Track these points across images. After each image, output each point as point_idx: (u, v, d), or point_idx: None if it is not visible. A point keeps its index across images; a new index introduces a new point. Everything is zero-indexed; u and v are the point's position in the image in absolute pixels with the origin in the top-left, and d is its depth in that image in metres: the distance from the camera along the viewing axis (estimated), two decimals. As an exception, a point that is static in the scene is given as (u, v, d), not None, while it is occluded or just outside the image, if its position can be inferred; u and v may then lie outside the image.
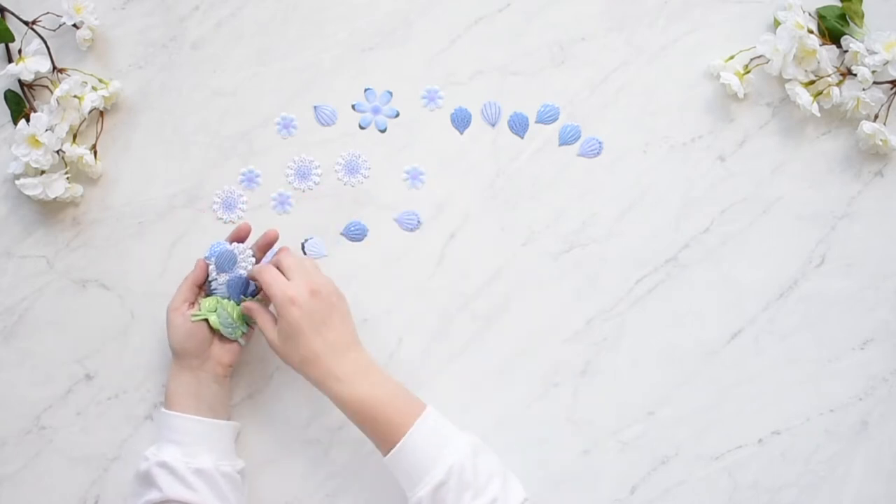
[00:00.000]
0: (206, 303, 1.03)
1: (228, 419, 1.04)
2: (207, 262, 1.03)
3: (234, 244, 1.03)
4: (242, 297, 1.04)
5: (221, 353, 1.03)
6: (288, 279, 0.98)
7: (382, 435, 0.96)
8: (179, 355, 1.01)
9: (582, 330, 1.09)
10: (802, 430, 1.08)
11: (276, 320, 0.98)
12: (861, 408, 1.08)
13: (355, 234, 1.10)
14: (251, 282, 1.04)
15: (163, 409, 1.01)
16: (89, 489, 1.07)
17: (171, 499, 0.96)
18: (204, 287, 1.04)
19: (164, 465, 0.97)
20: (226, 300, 1.03)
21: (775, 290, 1.09)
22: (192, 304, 1.03)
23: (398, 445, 0.94)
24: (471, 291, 1.09)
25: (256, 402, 1.08)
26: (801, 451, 1.08)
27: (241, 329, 1.03)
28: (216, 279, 1.03)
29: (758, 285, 1.09)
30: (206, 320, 1.02)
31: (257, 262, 1.05)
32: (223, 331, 1.02)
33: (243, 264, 1.03)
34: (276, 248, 1.05)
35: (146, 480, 0.98)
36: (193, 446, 0.99)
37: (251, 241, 1.05)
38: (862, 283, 1.09)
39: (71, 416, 1.08)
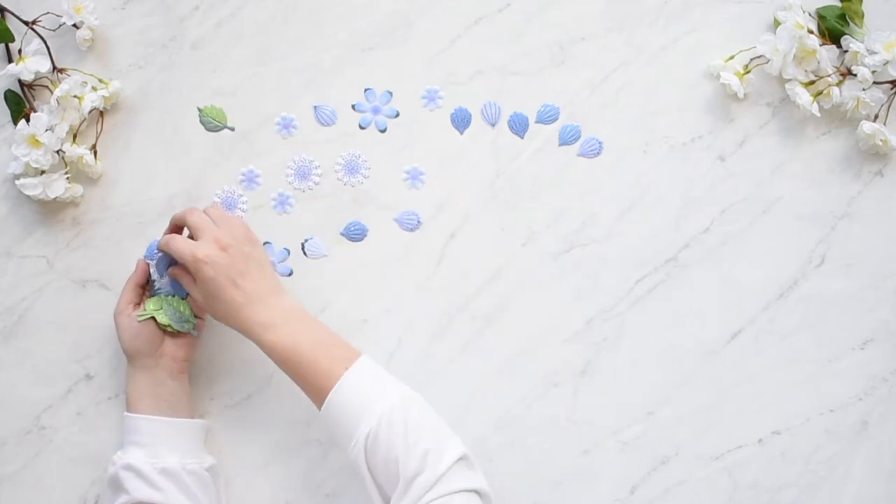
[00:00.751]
0: (151, 303, 1.03)
1: (191, 416, 1.04)
2: (147, 262, 1.03)
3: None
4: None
5: (174, 348, 1.03)
6: (196, 239, 0.98)
7: (313, 384, 0.94)
8: (132, 356, 1.02)
9: (582, 330, 1.09)
10: (802, 430, 1.08)
11: (192, 278, 0.99)
12: (861, 408, 1.08)
13: (355, 234, 1.10)
14: None
15: (125, 413, 1.01)
16: (89, 489, 1.07)
17: (139, 501, 0.96)
18: (147, 287, 1.04)
19: (129, 468, 0.97)
20: (171, 297, 1.04)
21: (775, 290, 1.09)
22: (137, 304, 1.03)
23: (329, 396, 0.93)
24: (471, 291, 1.09)
25: (256, 402, 1.08)
26: (801, 451, 1.08)
27: (191, 322, 1.04)
28: (157, 279, 1.03)
29: (758, 285, 1.09)
30: (154, 318, 1.02)
31: None
32: (174, 326, 1.03)
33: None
34: None
35: (114, 485, 0.98)
36: (157, 447, 0.99)
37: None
38: (862, 283, 1.09)
39: (71, 416, 1.08)
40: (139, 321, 1.02)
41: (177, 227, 1.03)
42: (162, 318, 1.02)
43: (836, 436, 1.08)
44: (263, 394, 1.08)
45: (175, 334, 1.04)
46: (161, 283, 1.04)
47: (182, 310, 1.03)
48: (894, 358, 1.09)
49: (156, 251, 1.04)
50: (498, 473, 1.06)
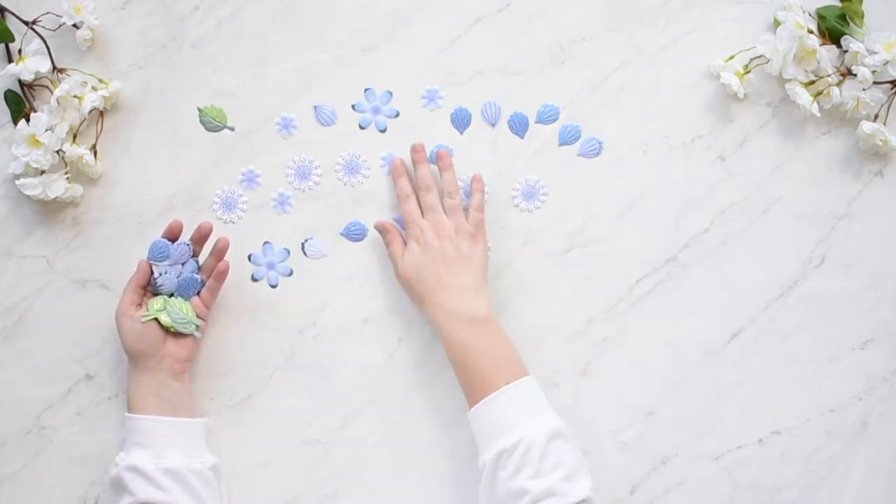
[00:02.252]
0: (154, 303, 1.03)
1: (193, 416, 1.04)
2: (149, 262, 1.03)
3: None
4: (194, 294, 1.05)
5: (177, 349, 1.03)
6: (423, 216, 1.04)
7: (473, 386, 0.97)
8: (135, 357, 1.02)
9: (582, 330, 1.09)
10: (802, 430, 1.08)
11: (404, 246, 1.05)
12: (861, 408, 1.08)
13: (355, 233, 1.10)
14: (199, 279, 1.05)
15: (126, 414, 1.01)
16: (89, 489, 1.07)
17: (143, 501, 0.96)
18: (149, 288, 1.04)
19: (133, 469, 0.97)
20: (174, 298, 1.03)
21: (775, 290, 1.09)
22: (139, 305, 1.03)
23: (483, 401, 0.95)
24: (471, 291, 1.09)
25: (256, 402, 1.08)
26: (801, 451, 1.08)
27: (193, 323, 1.03)
28: (159, 279, 1.03)
29: (758, 285, 1.09)
30: (157, 319, 1.02)
31: (195, 254, 1.05)
32: (177, 327, 1.03)
33: (183, 259, 1.04)
34: (212, 239, 1.06)
35: (117, 486, 0.98)
36: (161, 447, 0.99)
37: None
38: (862, 283, 1.09)
39: (71, 416, 1.08)
40: (142, 322, 1.02)
41: (168, 235, 1.03)
42: (165, 319, 1.02)
43: (836, 436, 1.08)
44: (263, 394, 1.08)
45: (177, 335, 1.03)
46: (161, 279, 1.03)
47: (185, 311, 1.03)
48: (894, 358, 1.09)
49: (170, 245, 1.04)
50: (498, 473, 1.06)
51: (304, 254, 1.10)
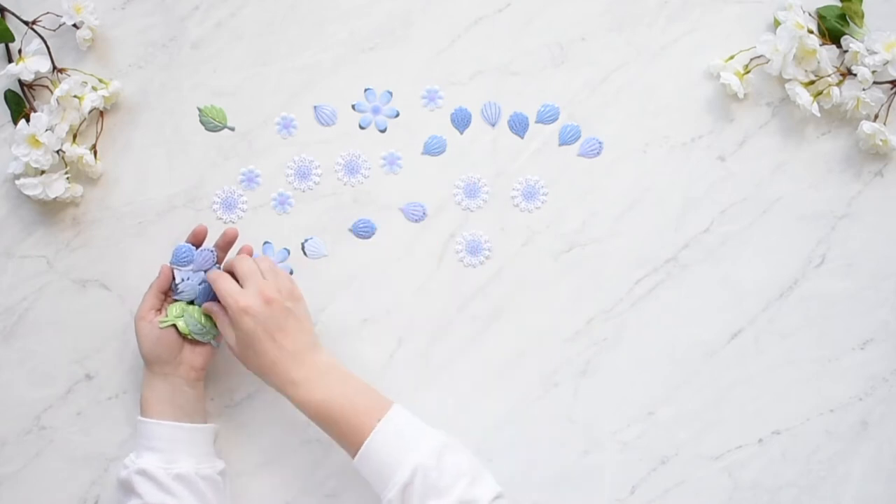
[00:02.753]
0: (173, 309, 1.03)
1: (204, 421, 1.04)
2: (172, 267, 1.03)
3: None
4: (213, 300, 1.04)
5: (193, 356, 1.03)
6: (242, 286, 0.98)
7: (347, 437, 0.95)
8: (151, 362, 1.02)
9: (582, 330, 1.09)
10: (802, 430, 1.08)
11: (231, 328, 0.99)
12: (861, 408, 1.08)
13: (364, 230, 1.10)
14: None
15: (139, 417, 1.01)
16: (89, 489, 1.07)
17: None
18: (170, 293, 1.04)
19: (143, 473, 0.97)
20: (192, 305, 1.03)
21: (775, 290, 1.09)
22: (159, 310, 1.03)
23: (362, 448, 0.93)
24: (471, 291, 1.09)
25: (256, 402, 1.08)
26: (801, 451, 1.08)
27: (211, 332, 1.03)
28: (180, 284, 1.03)
29: (758, 285, 1.09)
30: (175, 325, 1.02)
31: (219, 260, 1.05)
32: (194, 335, 1.02)
33: (206, 266, 1.03)
34: (237, 245, 1.05)
35: (126, 488, 0.98)
36: (172, 452, 0.99)
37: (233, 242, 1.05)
38: (862, 283, 1.09)
39: (71, 416, 1.08)
40: (160, 328, 1.01)
41: (193, 240, 1.03)
42: (183, 326, 1.02)
43: (836, 436, 1.08)
44: (263, 394, 1.08)
45: (194, 342, 1.03)
46: (181, 285, 1.03)
47: (203, 320, 1.03)
48: (894, 358, 1.09)
49: (181, 254, 1.03)
50: (498, 473, 1.06)
51: (304, 254, 1.10)
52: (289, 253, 1.09)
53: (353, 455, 0.95)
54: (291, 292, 1.00)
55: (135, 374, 1.08)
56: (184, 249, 1.03)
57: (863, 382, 1.09)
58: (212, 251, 1.04)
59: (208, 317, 1.03)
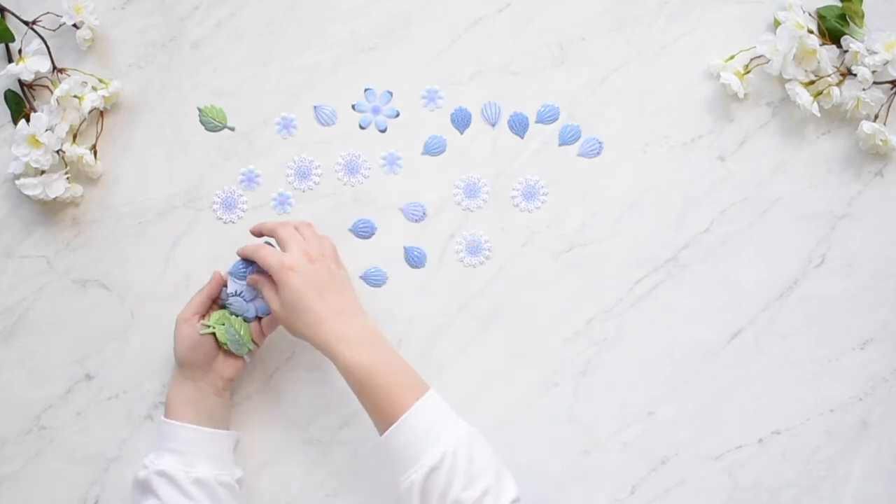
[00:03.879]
0: (216, 315, 1.02)
1: (227, 429, 1.04)
2: (224, 274, 1.03)
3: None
4: (257, 317, 1.04)
5: (224, 367, 1.03)
6: (285, 250, 0.98)
7: (382, 408, 0.94)
8: (183, 365, 1.01)
9: (582, 330, 1.09)
10: (802, 430, 1.08)
11: (276, 291, 0.98)
12: (861, 408, 1.08)
13: (363, 230, 1.10)
14: (267, 307, 1.03)
15: (163, 418, 1.01)
16: (89, 489, 1.07)
17: None
18: (218, 300, 1.04)
19: (163, 474, 0.97)
20: (234, 316, 1.03)
21: (775, 290, 1.09)
22: (203, 316, 1.03)
23: (397, 422, 0.92)
24: (471, 291, 1.09)
25: (256, 402, 1.08)
26: (801, 451, 1.08)
27: (247, 346, 1.03)
28: (232, 296, 1.03)
29: (758, 285, 1.09)
30: (214, 334, 1.02)
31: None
32: (230, 346, 1.02)
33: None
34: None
35: (144, 488, 0.98)
36: (193, 456, 0.99)
37: None
38: (862, 283, 1.09)
39: (71, 416, 1.08)
40: (201, 334, 1.01)
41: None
42: (222, 335, 1.02)
43: (836, 436, 1.08)
44: (263, 394, 1.08)
45: (228, 353, 1.03)
46: (231, 299, 1.03)
47: (242, 333, 1.03)
48: (894, 358, 1.09)
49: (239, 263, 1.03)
50: (498, 473, 1.06)
51: (304, 254, 1.10)
52: None
53: (383, 427, 0.93)
54: (335, 256, 1.01)
55: (134, 374, 1.08)
56: (243, 264, 1.02)
57: (863, 382, 1.09)
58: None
59: (247, 330, 1.03)
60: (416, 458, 0.91)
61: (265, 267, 0.98)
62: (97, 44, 1.11)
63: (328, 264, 0.98)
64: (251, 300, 1.03)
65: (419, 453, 0.91)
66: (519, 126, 1.11)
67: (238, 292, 1.02)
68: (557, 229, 1.10)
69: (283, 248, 0.99)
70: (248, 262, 1.03)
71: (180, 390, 1.01)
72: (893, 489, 1.08)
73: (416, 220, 1.10)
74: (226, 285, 1.03)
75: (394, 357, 0.96)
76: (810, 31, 1.07)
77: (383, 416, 0.94)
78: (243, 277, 1.02)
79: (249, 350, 1.03)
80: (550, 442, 1.08)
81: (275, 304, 0.98)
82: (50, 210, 1.09)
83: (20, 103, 1.09)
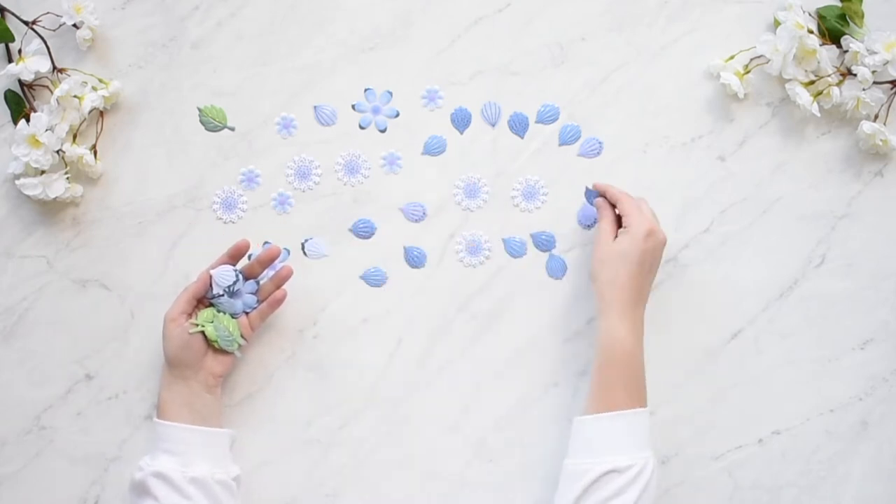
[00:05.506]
0: (204, 314, 1.03)
1: (220, 427, 1.04)
2: (210, 273, 1.02)
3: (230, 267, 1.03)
4: (244, 312, 1.04)
5: (214, 364, 1.03)
6: (630, 217, 1.01)
7: (610, 390, 0.97)
8: (173, 365, 1.01)
9: (582, 330, 1.09)
10: (802, 430, 1.08)
11: (614, 232, 1.01)
12: (861, 408, 1.08)
13: (363, 230, 1.10)
14: (255, 300, 1.04)
15: (156, 419, 1.01)
16: (89, 489, 1.07)
17: None
18: (204, 300, 1.04)
19: (159, 475, 0.97)
20: (222, 313, 1.03)
21: (775, 290, 1.09)
22: (190, 315, 1.03)
23: (618, 412, 0.95)
24: (471, 291, 1.09)
25: (256, 402, 1.08)
26: (801, 451, 1.08)
27: (237, 342, 1.03)
28: (218, 293, 1.03)
29: (758, 285, 1.09)
30: (203, 332, 1.02)
31: (255, 276, 1.04)
32: (220, 343, 1.02)
33: (247, 290, 1.04)
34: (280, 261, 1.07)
35: (141, 490, 0.98)
36: (189, 455, 0.99)
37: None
38: (862, 283, 1.09)
39: (71, 416, 1.08)
40: (190, 333, 1.01)
41: (235, 253, 1.03)
42: (211, 333, 1.02)
43: (836, 436, 1.08)
44: (263, 394, 1.08)
45: (218, 350, 1.03)
46: (223, 301, 1.03)
47: (231, 329, 1.03)
48: (894, 358, 1.09)
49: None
50: (498, 473, 1.06)
51: (304, 254, 1.10)
52: (289, 253, 1.09)
53: (600, 406, 0.96)
54: (660, 256, 1.03)
55: (134, 374, 1.08)
56: (228, 274, 1.02)
57: (863, 382, 1.09)
58: (256, 282, 1.04)
59: (236, 326, 1.03)
60: (611, 452, 0.94)
61: (628, 215, 1.00)
62: (97, 44, 1.11)
63: (660, 254, 1.02)
64: (238, 296, 1.03)
65: (615, 450, 0.94)
66: (519, 126, 1.11)
67: (225, 290, 1.02)
68: (558, 229, 1.10)
69: (632, 217, 1.00)
70: (233, 261, 1.03)
71: (172, 390, 1.01)
72: (893, 489, 1.08)
73: (416, 220, 1.10)
74: (211, 284, 1.03)
75: (643, 359, 1.00)
76: (810, 31, 1.07)
77: (607, 398, 0.97)
78: (229, 276, 1.02)
79: (239, 346, 1.03)
80: (550, 442, 1.08)
81: (605, 242, 1.00)
82: (50, 210, 1.09)
83: (20, 103, 1.09)
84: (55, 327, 1.09)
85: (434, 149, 1.11)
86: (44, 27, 1.09)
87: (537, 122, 1.11)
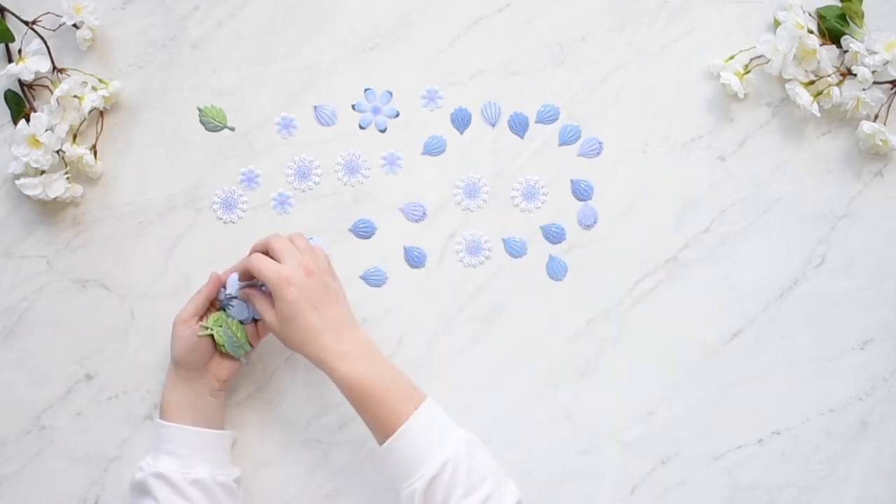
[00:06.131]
0: (213, 317, 1.02)
1: (223, 429, 1.04)
2: (220, 275, 1.02)
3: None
4: (253, 319, 1.04)
5: (219, 368, 1.03)
6: (280, 262, 0.97)
7: (381, 420, 0.94)
8: (180, 366, 1.01)
9: (582, 330, 1.09)
10: (802, 430, 1.08)
11: (270, 304, 0.97)
12: (861, 408, 1.08)
13: (363, 230, 1.10)
14: None
15: (158, 420, 1.01)
16: (89, 489, 1.07)
17: None
18: (216, 303, 1.04)
19: (160, 476, 0.97)
20: (231, 318, 1.03)
21: (775, 290, 1.09)
22: (201, 317, 1.03)
23: (397, 433, 0.93)
24: (471, 291, 1.09)
25: (256, 402, 1.08)
26: (801, 451, 1.08)
27: (244, 348, 1.03)
28: (229, 296, 1.03)
29: (758, 285, 1.09)
30: (212, 335, 1.02)
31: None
32: (227, 348, 1.02)
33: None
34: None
35: (142, 491, 0.98)
36: (190, 457, 0.99)
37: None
38: (862, 283, 1.09)
39: (71, 416, 1.08)
40: (199, 335, 1.01)
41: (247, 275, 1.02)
42: (219, 337, 1.02)
43: (836, 436, 1.08)
44: (263, 394, 1.08)
45: (224, 354, 1.03)
46: (229, 301, 1.03)
47: (239, 335, 1.03)
48: (894, 358, 1.09)
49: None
50: (498, 473, 1.06)
51: (304, 254, 1.10)
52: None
53: (382, 438, 0.94)
54: (329, 268, 1.00)
55: (134, 374, 1.08)
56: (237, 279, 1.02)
57: (863, 382, 1.09)
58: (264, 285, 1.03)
59: (244, 332, 1.03)
60: (418, 467, 0.91)
61: (262, 279, 0.97)
62: (97, 44, 1.11)
63: (324, 277, 0.98)
64: (248, 303, 1.03)
65: (420, 462, 0.91)
66: (519, 126, 1.11)
67: (236, 294, 1.02)
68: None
69: (278, 260, 0.97)
70: (244, 279, 1.02)
71: (176, 391, 1.01)
72: (893, 489, 1.08)
73: (416, 220, 1.10)
74: (224, 287, 1.03)
75: (389, 368, 0.97)
76: (810, 31, 1.07)
77: (382, 427, 0.94)
78: (241, 280, 1.02)
79: (246, 352, 1.03)
80: (550, 442, 1.08)
81: (269, 317, 0.97)
82: (50, 210, 1.09)
83: (20, 103, 1.09)
84: (55, 327, 1.09)
85: (434, 149, 1.11)
86: (44, 27, 1.09)
87: (537, 122, 1.11)
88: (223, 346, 1.02)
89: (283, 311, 0.95)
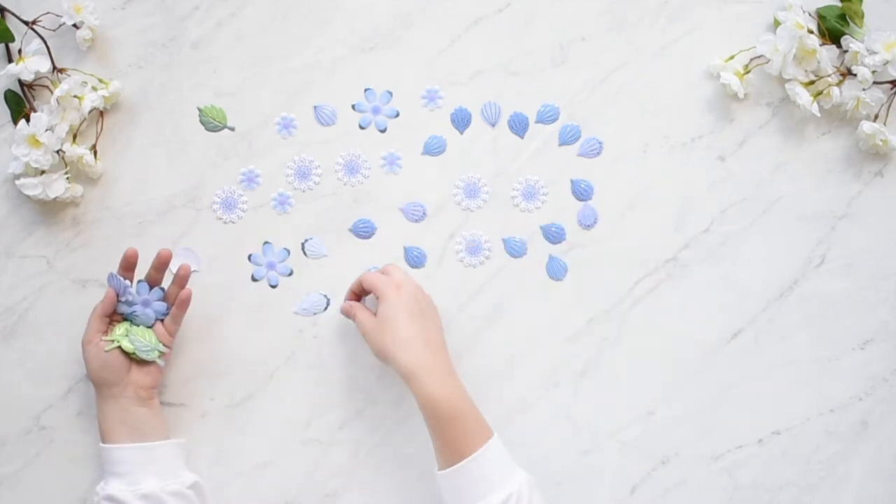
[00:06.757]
0: (117, 328, 1.02)
1: (166, 438, 1.03)
2: (114, 290, 1.02)
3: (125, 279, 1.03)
4: (159, 319, 1.04)
5: (140, 376, 1.03)
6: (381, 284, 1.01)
7: (456, 442, 0.95)
8: (100, 386, 1.02)
9: (582, 330, 1.09)
10: (802, 430, 1.08)
11: (371, 313, 1.00)
12: (861, 408, 1.08)
13: (363, 230, 1.10)
14: (165, 306, 1.04)
15: (100, 444, 1.01)
16: (89, 489, 1.07)
17: None
18: (115, 316, 1.03)
19: (110, 499, 0.98)
20: (136, 325, 1.03)
21: (775, 290, 1.09)
22: (105, 333, 1.02)
23: (470, 457, 0.94)
24: (471, 291, 1.09)
25: (256, 403, 1.08)
26: (801, 451, 1.08)
27: (157, 350, 1.03)
28: (127, 305, 1.02)
29: (758, 285, 1.09)
30: (120, 347, 1.02)
31: (155, 282, 1.03)
32: (139, 354, 1.02)
33: (129, 296, 1.03)
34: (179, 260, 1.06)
35: None
36: (135, 474, 0.99)
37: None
38: (862, 283, 1.09)
39: (71, 416, 1.08)
40: (106, 350, 1.01)
41: (126, 265, 1.02)
42: (127, 346, 1.01)
43: (836, 436, 1.08)
44: (263, 394, 1.08)
45: (142, 362, 1.03)
46: (128, 309, 1.03)
47: (147, 338, 1.02)
48: (894, 358, 1.09)
49: (114, 275, 1.02)
50: (498, 473, 1.06)
51: (304, 254, 1.10)
52: (289, 253, 1.09)
53: (453, 460, 0.95)
54: (429, 299, 1.03)
55: (135, 374, 1.08)
56: (123, 284, 1.01)
57: (863, 382, 1.09)
58: (161, 289, 1.04)
59: (152, 335, 1.03)
60: (483, 495, 0.93)
61: (372, 287, 1.00)
62: (97, 44, 1.11)
63: (429, 302, 1.02)
64: (147, 305, 1.03)
65: (486, 491, 0.93)
66: (519, 126, 1.11)
67: (133, 301, 1.02)
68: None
69: (377, 286, 1.01)
70: (129, 274, 1.02)
71: (104, 411, 1.01)
72: (893, 489, 1.08)
73: (416, 220, 1.10)
74: (119, 299, 1.02)
75: (468, 394, 0.98)
76: (810, 31, 1.07)
77: (455, 449, 0.95)
78: (123, 285, 1.01)
79: (161, 353, 1.03)
80: (550, 442, 1.08)
81: (368, 323, 1.00)
82: (50, 210, 1.09)
83: (20, 103, 1.09)
84: (55, 327, 1.09)
85: (434, 149, 1.11)
86: (44, 27, 1.09)
87: (537, 122, 1.11)
88: (134, 353, 1.02)
89: (386, 312, 0.98)
